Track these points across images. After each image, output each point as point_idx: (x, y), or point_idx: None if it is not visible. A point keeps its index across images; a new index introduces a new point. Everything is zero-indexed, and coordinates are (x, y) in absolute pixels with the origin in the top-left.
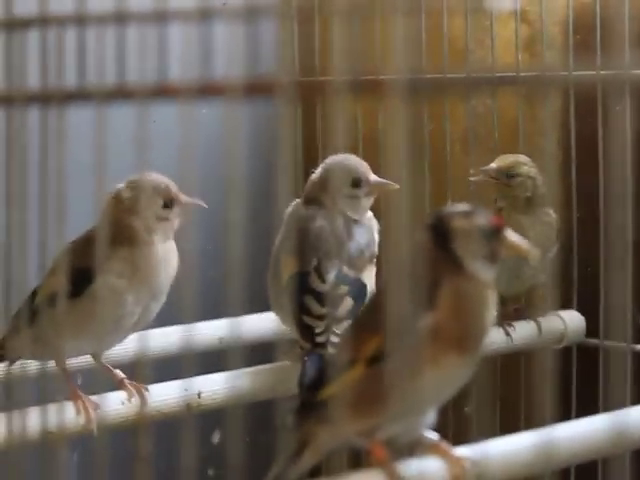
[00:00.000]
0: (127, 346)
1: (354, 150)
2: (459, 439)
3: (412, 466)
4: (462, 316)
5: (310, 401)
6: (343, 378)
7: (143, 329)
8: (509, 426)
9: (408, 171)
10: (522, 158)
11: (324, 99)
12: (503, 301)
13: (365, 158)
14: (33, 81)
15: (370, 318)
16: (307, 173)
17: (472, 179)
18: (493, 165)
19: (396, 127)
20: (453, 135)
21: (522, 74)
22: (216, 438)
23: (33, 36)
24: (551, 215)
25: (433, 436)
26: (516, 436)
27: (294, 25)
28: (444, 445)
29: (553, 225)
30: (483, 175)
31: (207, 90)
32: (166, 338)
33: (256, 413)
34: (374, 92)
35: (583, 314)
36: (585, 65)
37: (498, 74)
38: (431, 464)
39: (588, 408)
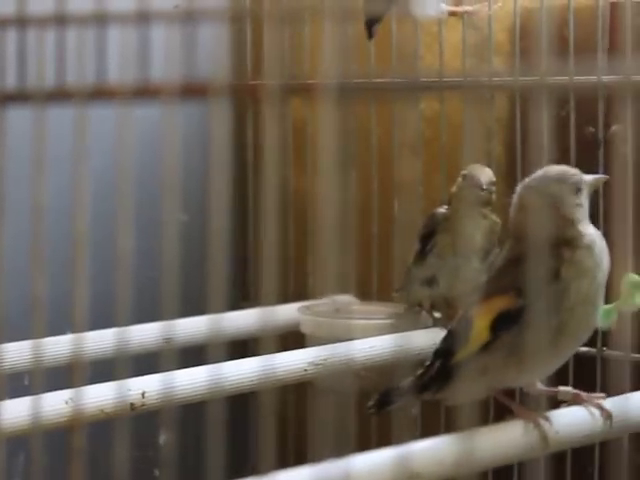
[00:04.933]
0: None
1: (284, 152)
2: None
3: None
4: None
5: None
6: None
7: None
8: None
9: (339, 174)
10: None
11: (256, 102)
12: (448, 303)
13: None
14: None
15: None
16: (238, 174)
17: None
18: (482, 179)
19: (328, 131)
20: (401, 139)
21: (469, 79)
22: (162, 439)
23: None
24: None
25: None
26: None
27: (227, 28)
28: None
29: (496, 230)
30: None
31: (144, 92)
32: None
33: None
34: (308, 95)
35: None
36: (530, 71)
37: (446, 79)
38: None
39: None
